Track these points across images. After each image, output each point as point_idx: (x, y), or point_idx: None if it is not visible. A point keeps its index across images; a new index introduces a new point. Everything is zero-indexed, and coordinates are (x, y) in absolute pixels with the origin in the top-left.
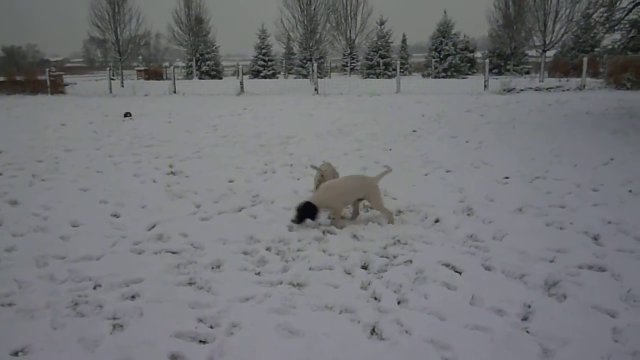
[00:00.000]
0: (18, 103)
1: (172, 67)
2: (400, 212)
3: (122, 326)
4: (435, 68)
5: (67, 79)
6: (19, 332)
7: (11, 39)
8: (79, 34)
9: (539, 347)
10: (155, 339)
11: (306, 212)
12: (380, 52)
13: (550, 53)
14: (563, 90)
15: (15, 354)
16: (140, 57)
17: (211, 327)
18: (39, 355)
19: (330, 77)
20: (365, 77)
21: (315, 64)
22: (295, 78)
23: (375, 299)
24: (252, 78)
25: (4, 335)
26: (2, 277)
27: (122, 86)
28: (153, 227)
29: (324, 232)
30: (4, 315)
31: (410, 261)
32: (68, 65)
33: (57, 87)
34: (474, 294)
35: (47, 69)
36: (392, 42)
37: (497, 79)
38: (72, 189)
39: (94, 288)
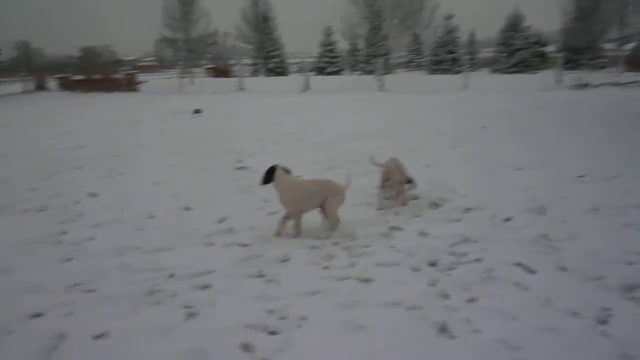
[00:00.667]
0: (95, 100)
1: (239, 65)
2: (468, 209)
3: (194, 315)
4: (505, 63)
5: (139, 77)
6: (100, 317)
7: (88, 40)
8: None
9: (617, 351)
10: (227, 329)
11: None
12: (447, 47)
13: (628, 46)
14: None
15: (97, 337)
16: (208, 56)
17: (280, 319)
18: (118, 340)
19: (395, 73)
20: (432, 73)
21: (380, 60)
22: (360, 75)
23: (444, 296)
24: (317, 75)
25: (86, 319)
26: (84, 265)
27: (192, 84)
28: (223, 220)
29: (391, 229)
30: (86, 300)
31: (480, 260)
32: (140, 64)
33: (131, 85)
34: (547, 295)
35: (122, 68)
36: (459, 37)
37: (570, 74)
38: (146, 183)
39: (168, 278)
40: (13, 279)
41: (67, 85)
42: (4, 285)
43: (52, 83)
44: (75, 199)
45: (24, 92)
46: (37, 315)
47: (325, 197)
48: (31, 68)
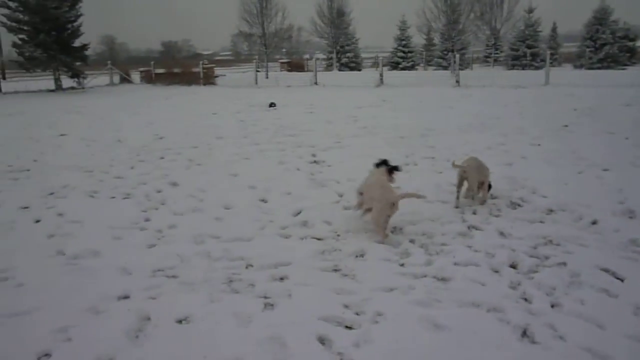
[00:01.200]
0: (175, 93)
1: (313, 59)
2: (551, 211)
3: (272, 305)
4: (590, 58)
5: (217, 71)
6: (182, 302)
7: (169, 35)
8: (228, 29)
9: None
10: (304, 320)
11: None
12: (527, 41)
13: None
14: None
15: (179, 321)
16: (283, 50)
17: (356, 314)
18: (199, 325)
19: (472, 68)
20: (510, 69)
21: (456, 55)
22: (435, 70)
23: (526, 300)
24: (391, 70)
25: (169, 303)
26: (167, 252)
27: (267, 78)
28: (298, 213)
29: (469, 228)
30: (169, 285)
31: (564, 263)
32: (217, 58)
33: (208, 79)
34: (637, 304)
35: (201, 62)
36: (540, 31)
37: None
38: (224, 174)
39: (246, 267)
40: (103, 262)
41: (149, 79)
42: (94, 267)
43: (135, 76)
44: (157, 188)
45: (110, 84)
46: (124, 297)
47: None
48: (116, 62)
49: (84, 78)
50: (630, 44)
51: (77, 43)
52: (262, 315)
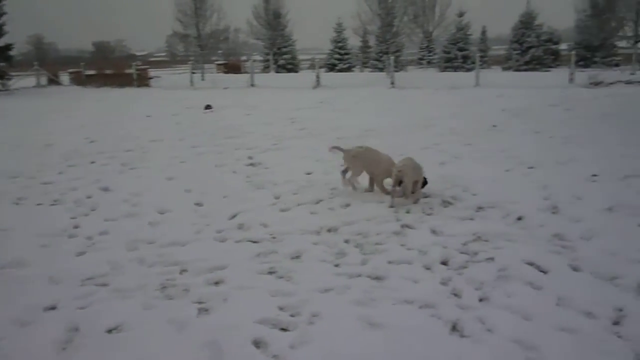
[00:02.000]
0: (107, 95)
1: (250, 61)
2: (481, 208)
3: (207, 310)
4: (517, 61)
5: (151, 72)
6: (113, 310)
7: (101, 35)
8: (163, 29)
9: (633, 352)
10: (239, 324)
11: None
12: (458, 44)
13: None
14: None
15: (110, 331)
16: (219, 51)
17: (292, 316)
18: (131, 334)
19: (407, 70)
20: (443, 71)
21: (391, 57)
22: (371, 72)
23: (456, 295)
24: (328, 71)
25: (99, 313)
26: (97, 259)
27: (203, 80)
28: (235, 216)
29: (403, 227)
30: (99, 294)
31: (493, 259)
32: (152, 59)
33: (142, 80)
34: (561, 295)
35: (134, 63)
36: (471, 35)
37: (583, 71)
38: (159, 178)
39: (181, 273)
40: (30, 271)
41: (80, 80)
42: (21, 277)
43: (64, 77)
44: (88, 193)
45: (37, 86)
46: (52, 308)
47: None
48: (44, 62)
49: (9, 80)
50: (554, 47)
51: (0, 43)
52: (197, 321)
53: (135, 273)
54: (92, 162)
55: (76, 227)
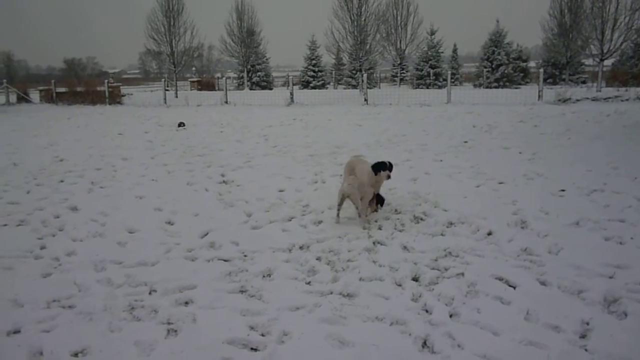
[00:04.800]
0: (78, 113)
1: (224, 78)
2: (451, 224)
3: (176, 331)
4: (487, 78)
5: (124, 89)
6: (79, 333)
7: (72, 52)
8: (136, 47)
9: None
10: (208, 345)
11: None
12: (430, 62)
13: (608, 62)
14: (622, 100)
15: (75, 354)
16: (193, 69)
17: (262, 335)
18: (97, 357)
19: (379, 87)
20: (415, 88)
21: (364, 75)
22: (344, 89)
23: (427, 311)
24: (302, 89)
25: (64, 336)
26: (63, 280)
27: (176, 97)
28: (205, 235)
29: (374, 243)
30: (64, 316)
31: (462, 274)
32: (125, 76)
33: (114, 98)
34: (529, 309)
35: (106, 80)
36: (442, 52)
37: (551, 89)
38: (129, 197)
39: (150, 293)
40: None
41: (50, 98)
42: None
43: (34, 95)
44: (55, 213)
45: (6, 104)
46: (15, 331)
47: None
48: (14, 80)
49: None
50: (523, 64)
51: None
52: (165, 343)
53: (102, 294)
54: (61, 181)
55: (42, 247)
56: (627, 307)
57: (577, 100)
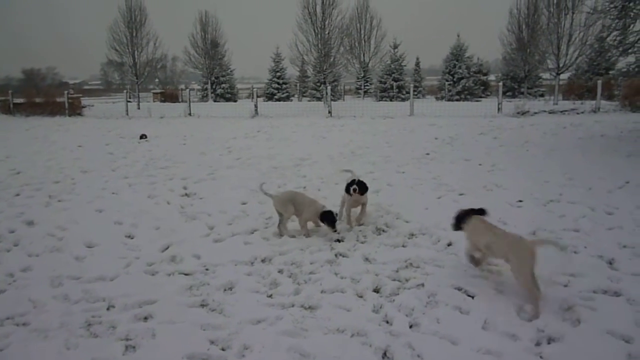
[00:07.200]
0: (36, 124)
1: (187, 90)
2: (413, 235)
3: (134, 347)
4: (449, 91)
5: (84, 101)
6: (33, 352)
7: (31, 62)
8: (97, 57)
9: None
10: None
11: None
12: (393, 75)
13: (564, 76)
14: (577, 113)
15: None
16: (156, 80)
17: (222, 350)
18: None
19: (344, 99)
20: (379, 100)
21: (329, 87)
22: (309, 101)
23: (387, 322)
24: (267, 101)
25: (18, 355)
26: (18, 297)
27: (139, 108)
28: (167, 248)
29: (336, 255)
30: (18, 335)
31: (423, 285)
32: (86, 87)
33: (75, 109)
34: (487, 319)
35: (66, 91)
36: (405, 65)
37: (511, 101)
38: (88, 210)
39: (108, 309)
40: None
41: (7, 109)
42: None
43: None
44: (10, 227)
45: None
46: None
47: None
48: None
49: None
50: (484, 77)
51: None
52: (123, 359)
53: (59, 311)
54: (17, 195)
55: None
56: (581, 314)
57: (535, 112)
